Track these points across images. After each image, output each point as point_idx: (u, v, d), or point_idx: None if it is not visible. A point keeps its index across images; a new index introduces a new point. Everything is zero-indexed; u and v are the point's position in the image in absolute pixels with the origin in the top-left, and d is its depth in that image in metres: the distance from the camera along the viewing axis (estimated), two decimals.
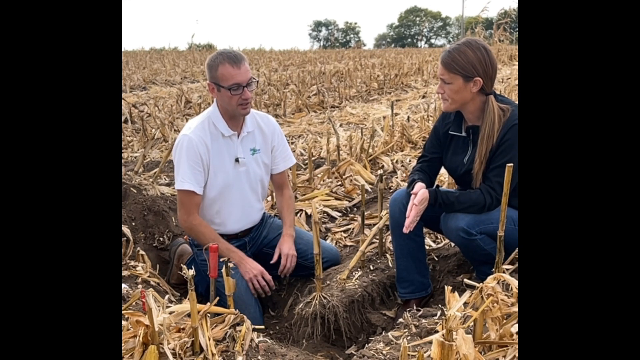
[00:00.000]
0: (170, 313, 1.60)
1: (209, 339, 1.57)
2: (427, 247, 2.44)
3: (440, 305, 1.91)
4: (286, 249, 2.44)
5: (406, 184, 2.25)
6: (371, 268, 2.46)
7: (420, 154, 2.34)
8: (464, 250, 2.14)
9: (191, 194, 2.30)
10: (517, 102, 2.06)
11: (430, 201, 2.04)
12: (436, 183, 2.27)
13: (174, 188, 3.60)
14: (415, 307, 2.03)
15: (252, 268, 2.32)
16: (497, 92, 2.07)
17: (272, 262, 2.45)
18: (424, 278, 2.27)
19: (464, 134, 2.13)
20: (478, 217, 1.99)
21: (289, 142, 3.42)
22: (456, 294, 1.45)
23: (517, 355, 1.36)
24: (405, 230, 2.04)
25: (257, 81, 2.37)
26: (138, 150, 5.03)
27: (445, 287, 1.47)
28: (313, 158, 4.02)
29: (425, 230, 2.45)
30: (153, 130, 5.67)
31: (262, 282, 2.34)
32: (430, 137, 2.29)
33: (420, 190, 2.03)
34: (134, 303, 1.75)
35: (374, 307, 2.32)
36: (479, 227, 1.98)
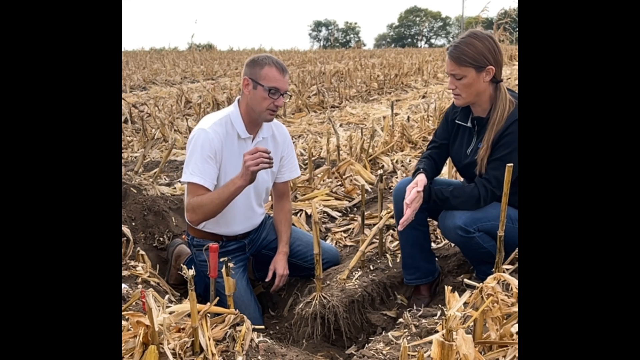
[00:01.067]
0: (170, 313, 1.60)
1: (209, 339, 1.57)
2: None
3: (440, 305, 1.91)
4: (281, 269, 2.45)
5: (412, 172, 2.26)
6: (371, 268, 2.47)
7: (425, 149, 2.34)
8: (463, 248, 2.15)
9: (198, 186, 2.26)
10: None
11: (425, 198, 2.04)
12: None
13: (174, 188, 3.61)
14: (427, 294, 2.01)
15: (245, 165, 2.12)
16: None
17: (267, 280, 2.47)
18: (429, 264, 2.27)
19: (469, 124, 2.13)
20: (475, 215, 1.99)
21: None
22: (456, 294, 1.46)
23: (517, 355, 1.36)
24: (400, 227, 2.04)
25: (291, 96, 2.37)
26: (138, 150, 5.03)
27: (445, 287, 1.47)
28: (313, 158, 4.01)
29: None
30: (153, 130, 5.67)
31: (260, 158, 2.10)
32: (441, 123, 2.29)
33: (413, 190, 2.03)
34: (134, 303, 1.75)
35: (374, 307, 2.32)
36: (477, 224, 1.98)
